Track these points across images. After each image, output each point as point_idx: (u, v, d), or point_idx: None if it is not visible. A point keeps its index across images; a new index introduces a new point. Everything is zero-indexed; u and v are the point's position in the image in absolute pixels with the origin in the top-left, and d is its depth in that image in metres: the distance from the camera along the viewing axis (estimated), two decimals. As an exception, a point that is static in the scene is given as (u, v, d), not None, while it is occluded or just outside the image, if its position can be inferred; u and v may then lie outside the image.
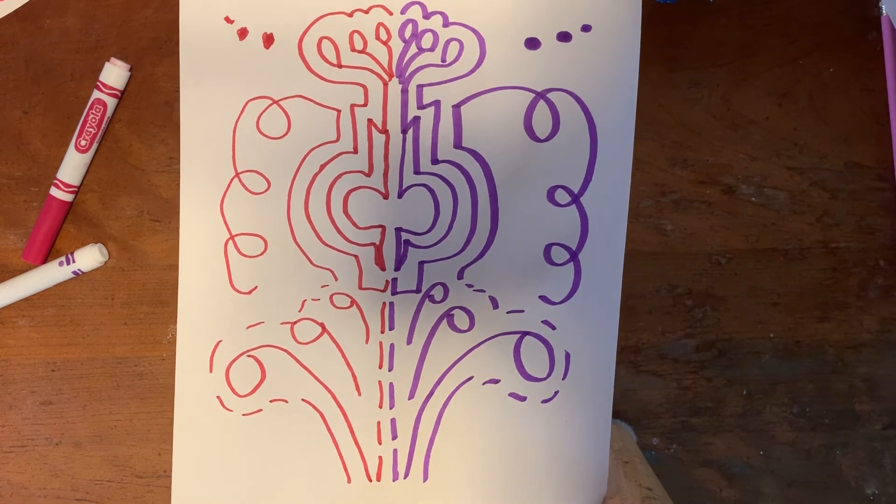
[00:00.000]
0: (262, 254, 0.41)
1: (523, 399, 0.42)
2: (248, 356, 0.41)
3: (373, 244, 0.41)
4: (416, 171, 0.40)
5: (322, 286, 0.41)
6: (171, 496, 0.40)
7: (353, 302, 0.41)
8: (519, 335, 0.41)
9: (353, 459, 0.41)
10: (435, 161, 0.40)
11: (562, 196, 0.41)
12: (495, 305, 0.41)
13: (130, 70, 0.46)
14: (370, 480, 0.41)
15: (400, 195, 0.40)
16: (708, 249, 0.47)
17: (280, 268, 0.41)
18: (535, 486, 0.42)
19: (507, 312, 0.41)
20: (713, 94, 0.47)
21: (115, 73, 0.46)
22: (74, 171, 0.47)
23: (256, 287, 0.41)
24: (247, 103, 0.40)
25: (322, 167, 0.40)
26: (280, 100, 0.40)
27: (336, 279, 0.41)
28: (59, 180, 0.47)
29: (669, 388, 0.47)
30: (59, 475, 0.49)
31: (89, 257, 0.46)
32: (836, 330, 0.47)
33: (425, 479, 0.41)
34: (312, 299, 0.41)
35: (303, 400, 0.41)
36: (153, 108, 0.47)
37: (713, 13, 0.46)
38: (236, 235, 0.40)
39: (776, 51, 0.46)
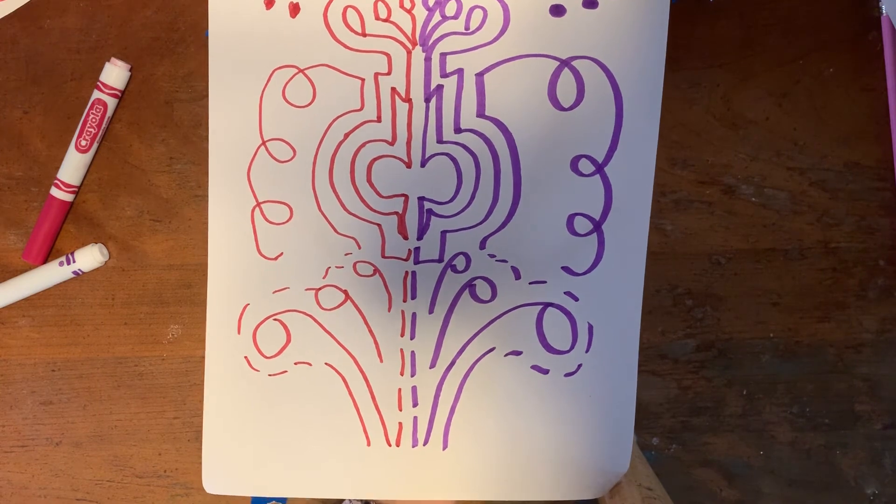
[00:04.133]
0: (287, 221, 0.41)
1: (546, 372, 0.42)
2: (275, 320, 0.42)
3: (395, 213, 0.41)
4: (439, 140, 0.41)
5: (346, 254, 0.41)
6: (202, 451, 0.42)
7: (375, 270, 0.41)
8: (541, 306, 0.41)
9: (374, 424, 0.42)
10: (458, 130, 0.40)
11: (586, 166, 0.40)
12: (517, 276, 0.41)
13: (130, 70, 0.46)
14: (389, 445, 0.42)
15: (423, 164, 0.41)
16: (708, 249, 0.47)
17: (305, 235, 0.41)
18: (556, 461, 0.42)
19: (530, 283, 0.41)
20: (713, 94, 0.47)
21: (115, 73, 0.46)
22: (75, 171, 0.47)
23: (282, 253, 0.41)
24: (273, 72, 0.40)
25: (346, 136, 0.41)
26: (305, 69, 0.40)
27: (359, 247, 0.41)
28: (59, 180, 0.47)
29: (669, 388, 0.47)
30: (59, 475, 0.49)
31: (89, 257, 0.46)
32: (836, 330, 0.47)
33: (445, 447, 0.42)
34: (336, 266, 0.41)
35: (326, 364, 0.42)
36: (153, 108, 0.47)
37: (713, 13, 0.46)
38: (263, 203, 0.41)
39: (776, 51, 0.46)
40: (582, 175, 0.41)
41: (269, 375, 0.42)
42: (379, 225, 0.41)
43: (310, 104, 0.40)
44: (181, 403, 0.47)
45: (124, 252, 0.47)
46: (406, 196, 0.41)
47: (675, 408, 0.47)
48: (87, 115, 0.46)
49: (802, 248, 0.47)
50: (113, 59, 0.46)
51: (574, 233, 0.41)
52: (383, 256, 0.41)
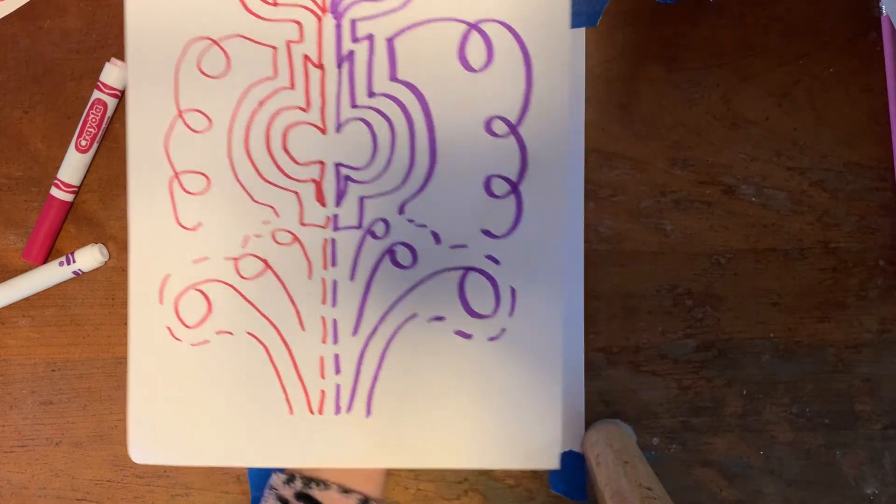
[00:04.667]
0: (205, 191, 0.41)
1: (469, 337, 0.42)
2: (196, 290, 0.42)
3: (313, 180, 0.41)
4: (353, 105, 0.41)
5: (264, 222, 0.41)
6: (127, 421, 0.41)
7: (294, 238, 0.42)
8: (463, 271, 0.41)
9: (296, 392, 0.42)
10: (371, 94, 0.41)
11: (499, 126, 0.41)
12: (437, 241, 0.41)
13: (130, 70, 0.46)
14: (312, 413, 0.42)
15: (338, 129, 0.41)
16: (708, 249, 0.47)
17: (223, 204, 0.41)
18: (481, 428, 0.42)
19: (450, 248, 0.41)
20: (713, 94, 0.47)
21: (115, 73, 0.46)
22: (75, 171, 0.47)
23: (201, 223, 0.41)
24: (188, 44, 0.41)
25: (261, 104, 0.41)
26: (219, 39, 0.41)
27: (278, 215, 0.41)
28: (59, 180, 0.47)
29: (669, 388, 0.47)
30: (59, 475, 0.49)
31: (89, 257, 0.46)
32: (836, 330, 0.47)
33: (368, 414, 0.42)
34: (255, 235, 0.41)
35: (248, 333, 0.42)
36: (153, 108, 0.47)
37: (713, 13, 0.46)
38: (180, 173, 0.41)
39: (776, 51, 0.46)
40: (496, 136, 0.41)
41: (192, 345, 0.42)
42: (296, 192, 0.41)
43: (225, 74, 0.41)
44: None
45: (124, 252, 0.47)
46: (322, 163, 0.41)
47: (675, 408, 0.47)
48: (87, 115, 0.46)
49: (802, 248, 0.47)
50: (113, 59, 0.46)
51: (492, 195, 0.41)
52: (302, 224, 0.41)
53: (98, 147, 0.47)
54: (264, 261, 0.42)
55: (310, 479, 0.42)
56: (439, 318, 0.42)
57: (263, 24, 0.41)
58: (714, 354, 0.47)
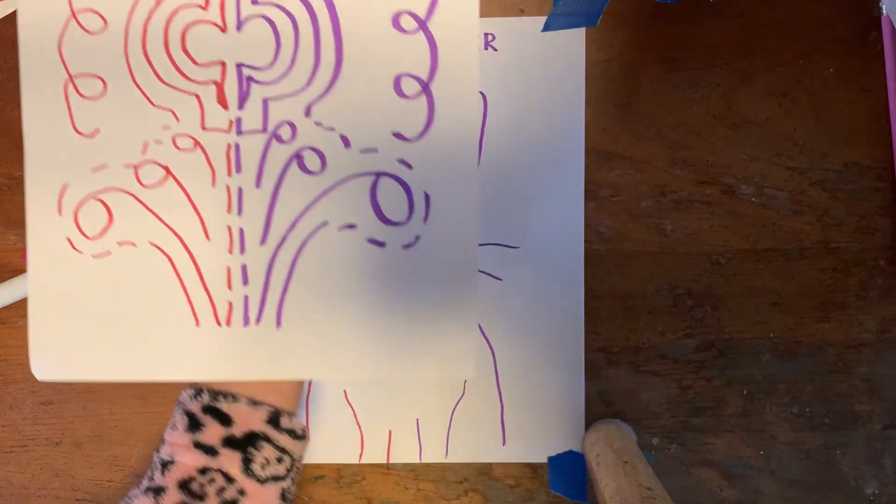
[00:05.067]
0: (102, 95, 0.40)
1: (383, 245, 0.40)
2: (95, 199, 0.40)
3: (213, 81, 0.40)
4: (254, 2, 0.39)
5: (164, 127, 0.40)
6: (28, 337, 0.40)
7: (196, 143, 0.40)
8: (374, 176, 0.40)
9: (202, 303, 0.40)
10: None
11: (407, 22, 0.39)
12: (347, 144, 0.40)
13: (130, 70, 0.46)
14: (220, 325, 0.40)
15: (238, 28, 0.39)
16: (708, 249, 0.47)
17: (120, 109, 0.40)
18: (395, 338, 0.40)
19: (360, 152, 0.40)
20: (713, 94, 0.47)
21: (114, 73, 0.46)
22: (74, 171, 0.47)
23: (98, 130, 0.40)
24: None
25: (158, 3, 0.39)
26: None
27: (178, 120, 0.40)
28: (59, 180, 0.47)
29: (669, 388, 0.47)
30: (59, 475, 0.49)
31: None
32: (836, 330, 0.47)
33: (278, 325, 0.40)
34: (155, 141, 0.40)
35: (151, 244, 0.40)
36: (153, 108, 0.47)
37: (713, 13, 0.46)
38: (75, 76, 0.40)
39: (776, 51, 0.46)
40: (405, 32, 0.39)
41: (93, 257, 0.40)
42: (197, 95, 0.40)
43: None
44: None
45: (124, 252, 0.47)
46: (223, 63, 0.40)
47: (675, 408, 0.47)
48: (87, 115, 0.46)
49: (802, 248, 0.47)
50: (113, 59, 0.46)
51: (402, 95, 0.39)
52: (203, 129, 0.40)
53: (98, 147, 0.47)
54: (165, 168, 0.40)
55: (217, 393, 0.41)
56: (351, 226, 0.40)
57: None
58: (714, 354, 0.47)
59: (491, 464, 0.48)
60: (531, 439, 0.48)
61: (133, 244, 0.40)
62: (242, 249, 0.40)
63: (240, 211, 0.40)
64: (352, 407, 0.49)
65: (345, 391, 0.50)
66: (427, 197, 0.40)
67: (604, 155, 0.47)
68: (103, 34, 0.40)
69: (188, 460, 0.40)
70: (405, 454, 0.49)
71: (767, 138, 0.47)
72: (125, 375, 0.41)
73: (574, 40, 0.47)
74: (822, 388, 0.47)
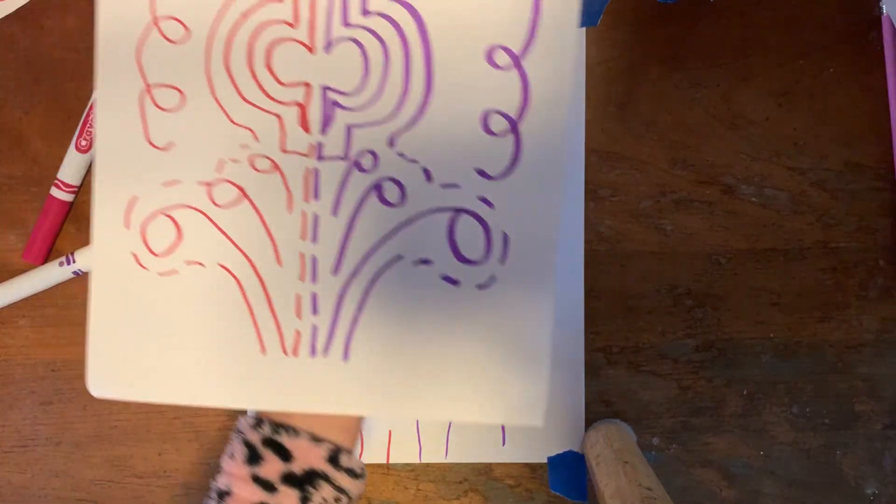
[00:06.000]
0: (179, 108, 0.38)
1: (457, 283, 0.39)
2: (165, 215, 0.39)
3: (297, 103, 0.38)
4: (345, 24, 0.38)
5: (242, 146, 0.38)
6: (87, 350, 0.39)
7: (274, 166, 0.39)
8: (453, 212, 0.39)
9: (269, 330, 0.39)
10: (365, 12, 0.38)
11: (501, 57, 0.38)
12: (428, 178, 0.39)
13: (130, 70, 0.46)
14: (286, 354, 0.39)
15: (327, 49, 0.38)
16: (708, 249, 0.47)
17: (197, 123, 0.38)
18: (463, 379, 0.39)
19: (442, 186, 0.39)
20: (713, 94, 0.47)
21: (115, 73, 0.46)
22: (75, 171, 0.47)
23: (173, 143, 0.38)
24: None
25: (244, 16, 0.38)
26: None
27: (257, 139, 0.38)
28: (59, 180, 0.47)
29: (669, 388, 0.47)
30: (59, 475, 0.49)
31: (89, 257, 0.46)
32: (836, 330, 0.47)
33: (346, 358, 0.39)
34: (231, 160, 0.39)
35: (220, 265, 0.39)
36: (153, 108, 0.47)
37: (713, 13, 0.46)
38: (153, 86, 0.38)
39: (776, 51, 0.46)
40: (497, 67, 0.38)
41: (159, 274, 0.39)
42: (279, 116, 0.38)
43: None
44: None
45: (124, 252, 0.47)
46: (308, 85, 0.38)
47: (675, 408, 0.47)
48: (87, 115, 0.46)
49: (802, 248, 0.47)
50: (113, 59, 0.46)
51: (489, 132, 0.38)
52: (283, 151, 0.38)
53: (98, 147, 0.47)
54: (240, 188, 0.39)
55: (279, 425, 0.39)
56: (426, 262, 0.39)
57: None
58: (714, 354, 0.47)
59: (491, 464, 0.48)
60: (531, 439, 0.48)
61: (201, 264, 0.39)
62: (314, 278, 0.39)
63: (314, 238, 0.39)
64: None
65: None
66: (506, 237, 0.39)
67: (604, 155, 0.47)
68: (185, 44, 0.38)
69: (246, 493, 0.39)
70: (405, 454, 0.49)
71: (767, 138, 0.47)
72: (185, 399, 0.40)
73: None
74: (822, 388, 0.47)
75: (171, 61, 0.38)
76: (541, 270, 0.39)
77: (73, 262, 0.46)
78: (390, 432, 0.49)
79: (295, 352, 0.39)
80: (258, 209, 0.39)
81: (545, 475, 0.48)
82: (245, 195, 0.39)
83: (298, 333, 0.39)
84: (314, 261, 0.39)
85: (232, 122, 0.38)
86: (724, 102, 0.47)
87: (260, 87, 0.38)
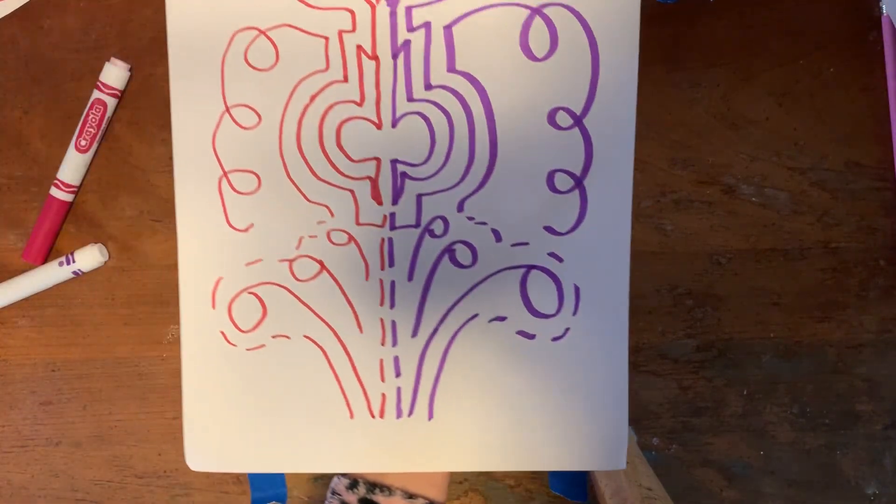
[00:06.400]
0: (256, 190, 0.40)
1: (532, 337, 0.40)
2: (249, 293, 0.40)
3: (368, 178, 0.40)
4: (410, 99, 0.39)
5: (318, 222, 0.40)
6: (183, 428, 0.40)
7: (350, 238, 0.40)
8: (525, 269, 0.40)
9: (356, 395, 0.41)
10: (428, 87, 0.39)
11: (563, 119, 0.39)
12: (498, 238, 0.40)
13: (130, 70, 0.46)
14: (373, 417, 0.41)
15: (394, 125, 0.39)
16: (708, 249, 0.47)
17: (275, 204, 0.40)
18: (546, 429, 0.41)
19: (512, 245, 0.40)
20: (713, 94, 0.47)
21: (115, 73, 0.46)
22: (74, 171, 0.47)
23: (253, 224, 0.40)
24: (234, 35, 0.39)
25: (312, 98, 0.39)
26: (267, 30, 0.39)
27: (332, 215, 0.40)
28: (59, 180, 0.47)
29: (669, 388, 0.47)
30: (59, 475, 0.49)
31: (89, 257, 0.46)
32: (836, 330, 0.47)
33: (430, 417, 0.41)
34: (309, 236, 0.40)
35: (304, 336, 0.41)
36: (153, 108, 0.47)
37: (713, 13, 0.46)
38: (230, 172, 0.40)
39: (776, 51, 0.46)
40: (560, 129, 0.39)
41: (247, 350, 0.41)
42: (351, 191, 0.40)
43: (273, 66, 0.39)
44: (181, 403, 0.47)
45: (124, 252, 0.47)
46: (378, 159, 0.40)
47: (675, 408, 0.47)
48: (87, 115, 0.46)
49: (802, 248, 0.47)
50: (113, 59, 0.46)
51: (555, 190, 0.39)
52: (358, 223, 0.40)
53: (98, 147, 0.47)
54: (319, 262, 0.40)
55: (373, 485, 0.41)
56: (501, 318, 0.40)
57: (313, 12, 0.39)
58: (714, 354, 0.47)
59: (491, 464, 0.48)
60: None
61: (287, 337, 0.41)
62: (395, 342, 0.41)
63: (392, 304, 0.41)
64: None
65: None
66: (577, 289, 0.40)
67: (604, 155, 0.47)
68: (258, 129, 0.39)
69: None
70: None
71: (767, 138, 0.47)
72: (280, 467, 0.41)
73: None
74: (822, 388, 0.47)
75: (246, 147, 0.40)
76: (613, 318, 0.40)
77: (73, 262, 0.47)
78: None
79: (381, 414, 0.41)
80: (337, 280, 0.40)
81: (545, 475, 0.48)
82: (324, 268, 0.40)
83: (384, 396, 0.41)
84: (394, 325, 0.41)
85: (308, 200, 0.40)
86: (724, 102, 0.47)
87: (332, 165, 0.40)
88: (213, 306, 0.41)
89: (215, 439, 0.41)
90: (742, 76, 0.46)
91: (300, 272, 0.40)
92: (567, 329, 0.40)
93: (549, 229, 0.40)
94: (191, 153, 0.40)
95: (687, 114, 0.47)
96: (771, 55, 0.46)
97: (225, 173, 0.40)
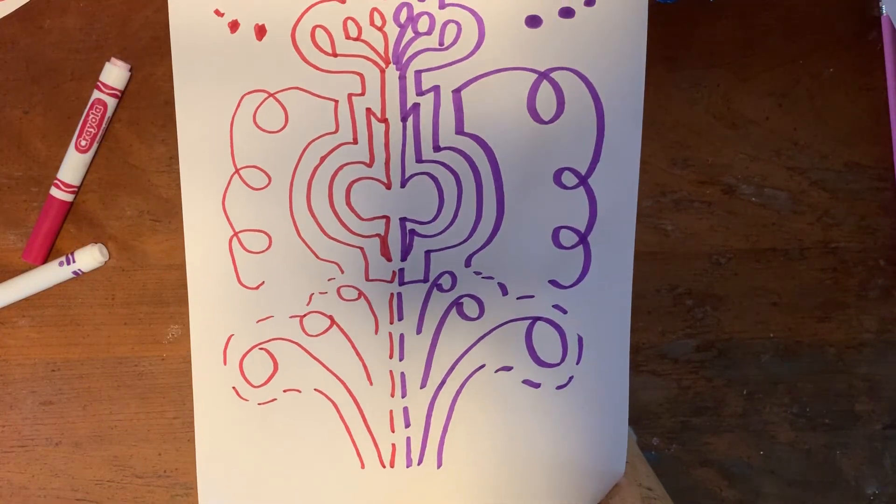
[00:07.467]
0: (267, 249, 0.41)
1: (537, 386, 0.42)
2: (260, 349, 0.41)
3: (378, 235, 0.41)
4: (419, 160, 0.40)
5: (329, 279, 0.41)
6: (197, 477, 0.41)
7: (360, 294, 0.41)
8: (530, 321, 0.41)
9: (367, 446, 0.42)
10: (437, 148, 0.40)
11: (569, 178, 0.40)
12: (504, 292, 0.41)
13: (131, 70, 0.46)
14: (384, 466, 0.42)
15: (403, 185, 0.40)
16: (708, 249, 0.47)
17: (286, 262, 0.41)
18: (552, 471, 0.42)
19: (517, 298, 0.41)
20: (713, 94, 0.47)
21: (115, 73, 0.46)
22: (74, 171, 0.47)
23: (264, 282, 0.41)
24: (242, 98, 0.40)
25: (322, 159, 0.40)
26: (276, 92, 0.39)
27: (342, 272, 0.41)
28: (59, 180, 0.47)
29: (669, 388, 0.47)
30: (59, 475, 0.49)
31: (89, 257, 0.46)
32: (836, 330, 0.47)
33: (439, 465, 0.42)
34: (320, 293, 0.41)
35: (315, 390, 0.42)
36: (153, 108, 0.47)
37: (713, 13, 0.46)
38: (240, 232, 0.40)
39: (776, 51, 0.46)
40: (565, 188, 0.40)
41: (259, 404, 0.42)
42: (361, 248, 0.41)
43: (283, 129, 0.40)
44: (181, 403, 0.47)
45: (124, 252, 0.47)
46: (387, 217, 0.40)
47: (675, 408, 0.47)
48: (87, 115, 0.46)
49: (802, 248, 0.47)
50: (113, 59, 0.46)
51: (560, 246, 0.41)
52: (367, 279, 0.41)
53: (98, 147, 0.47)
54: (330, 317, 0.41)
55: None
56: (507, 368, 0.42)
57: (322, 75, 0.39)
58: (714, 354, 0.47)
59: (491, 464, 0.48)
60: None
61: (298, 391, 0.42)
62: (404, 393, 0.42)
63: (401, 356, 0.41)
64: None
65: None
66: (580, 339, 0.41)
67: (604, 155, 0.47)
68: (267, 190, 0.40)
69: None
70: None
71: (767, 138, 0.47)
72: None
73: None
74: (822, 388, 0.47)
75: (256, 207, 0.40)
76: (615, 365, 0.42)
77: (73, 262, 0.47)
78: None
79: (392, 464, 0.42)
80: (347, 335, 0.41)
81: (545, 475, 0.48)
82: (335, 322, 0.41)
83: (394, 446, 0.42)
84: (403, 377, 0.42)
85: (318, 258, 0.41)
86: (724, 102, 0.46)
87: (342, 223, 0.40)
88: (225, 363, 0.41)
89: (229, 490, 0.42)
90: (742, 76, 0.46)
91: (311, 327, 0.41)
92: (571, 377, 0.42)
93: (553, 283, 0.41)
94: (201, 214, 0.41)
95: (687, 114, 0.47)
96: (771, 55, 0.46)
97: (236, 233, 0.41)
